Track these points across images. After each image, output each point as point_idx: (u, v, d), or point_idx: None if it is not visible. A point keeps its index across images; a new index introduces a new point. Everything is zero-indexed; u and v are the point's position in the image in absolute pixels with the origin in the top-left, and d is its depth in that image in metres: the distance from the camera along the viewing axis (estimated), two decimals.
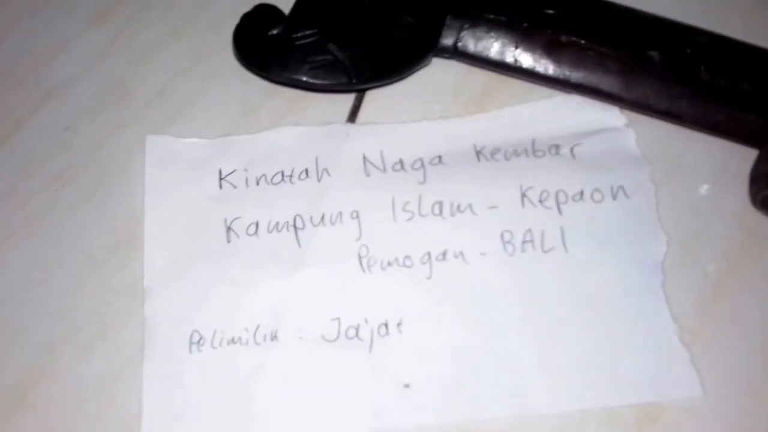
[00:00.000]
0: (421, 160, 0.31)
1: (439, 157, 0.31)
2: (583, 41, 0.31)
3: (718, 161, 0.31)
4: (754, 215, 0.30)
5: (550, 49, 0.31)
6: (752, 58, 0.31)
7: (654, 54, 0.30)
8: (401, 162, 0.31)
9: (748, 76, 0.30)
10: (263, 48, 0.31)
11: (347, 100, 0.33)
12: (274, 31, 0.30)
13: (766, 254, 0.29)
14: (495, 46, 0.32)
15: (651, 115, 0.31)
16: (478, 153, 0.31)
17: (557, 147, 0.31)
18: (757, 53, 0.31)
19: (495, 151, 0.31)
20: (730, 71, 0.30)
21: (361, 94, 0.33)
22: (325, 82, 0.30)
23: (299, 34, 0.30)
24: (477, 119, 0.32)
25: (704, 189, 0.30)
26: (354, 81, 0.31)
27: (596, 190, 0.30)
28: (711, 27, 0.32)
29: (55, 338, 0.28)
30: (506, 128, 0.32)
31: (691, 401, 0.27)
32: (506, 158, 0.31)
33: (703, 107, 0.30)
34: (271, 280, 0.28)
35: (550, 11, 0.32)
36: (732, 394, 0.27)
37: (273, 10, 0.31)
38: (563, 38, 0.31)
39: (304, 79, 0.30)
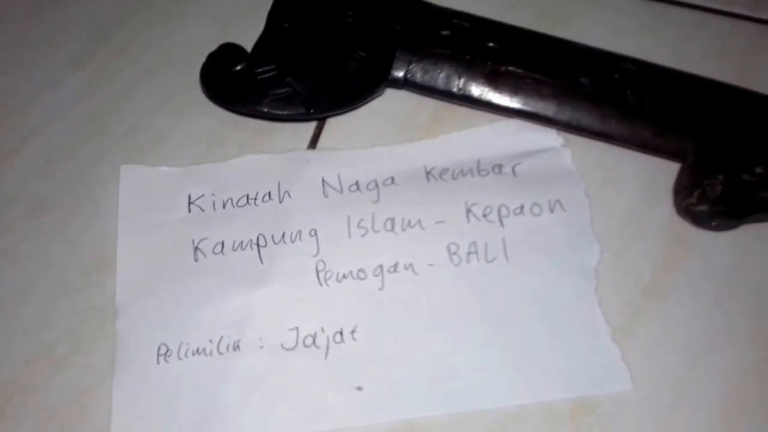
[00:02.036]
0: (375, 181, 0.34)
1: (392, 178, 0.34)
2: (520, 71, 0.34)
3: (646, 175, 0.33)
4: (680, 223, 0.32)
5: (492, 78, 0.34)
6: (673, 81, 0.34)
7: (585, 80, 0.33)
8: (357, 184, 0.34)
9: (670, 98, 0.33)
10: (228, 83, 0.34)
11: (308, 128, 0.36)
12: (238, 68, 0.33)
13: (691, 259, 0.32)
14: (441, 77, 0.35)
15: (584, 136, 0.34)
16: (428, 174, 0.34)
17: (500, 166, 0.34)
18: (678, 77, 0.34)
19: (443, 172, 0.34)
20: (654, 94, 0.33)
21: (321, 122, 0.36)
22: (285, 112, 0.33)
23: (260, 70, 0.33)
24: (427, 143, 0.35)
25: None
26: (312, 111, 0.33)
27: (535, 204, 0.33)
28: (639, 55, 0.35)
29: (33, 353, 0.30)
30: (453, 151, 0.35)
31: (621, 394, 0.29)
32: (453, 178, 0.34)
33: (630, 127, 0.33)
34: (234, 295, 0.31)
35: (491, 44, 0.35)
36: (658, 387, 0.29)
37: (236, 48, 0.34)
38: (502, 68, 0.34)
39: (266, 110, 0.33)
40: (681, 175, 0.31)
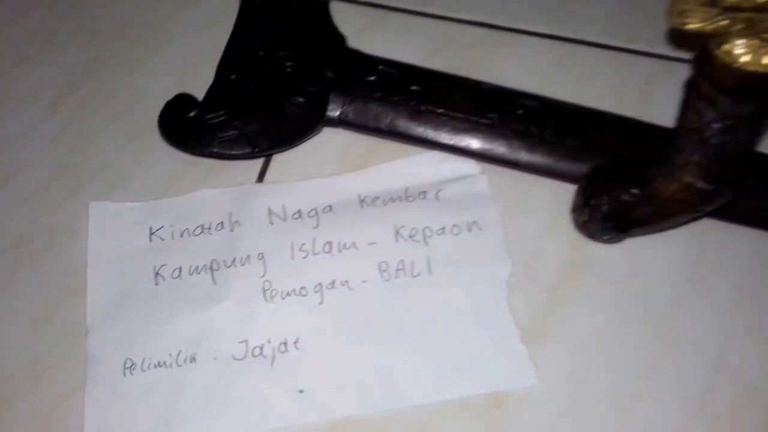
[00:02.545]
0: (315, 209, 0.38)
1: (330, 206, 0.38)
2: (439, 110, 0.39)
3: (552, 197, 0.38)
4: (579, 238, 0.37)
5: (415, 116, 0.39)
6: (570, 114, 0.39)
7: (493, 116, 0.38)
8: (299, 212, 0.38)
9: (567, 129, 0.38)
10: (183, 128, 0.38)
11: (256, 164, 0.40)
12: (191, 114, 0.38)
13: (590, 269, 0.36)
14: (371, 117, 0.39)
15: (498, 164, 0.39)
16: (362, 201, 0.39)
17: (425, 193, 0.39)
18: (574, 110, 0.39)
19: (375, 199, 0.39)
20: (553, 126, 0.38)
21: (267, 158, 0.40)
22: (233, 152, 0.38)
23: (211, 116, 0.38)
24: (361, 174, 0.39)
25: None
26: (256, 150, 0.38)
27: (455, 225, 0.38)
28: (548, 91, 0.40)
29: (13, 371, 0.34)
30: (384, 180, 0.39)
31: (529, 389, 0.34)
32: (384, 204, 0.38)
33: (535, 155, 0.38)
34: (191, 314, 0.35)
35: (414, 87, 0.40)
36: (560, 382, 0.34)
37: (189, 97, 0.39)
38: (423, 108, 0.39)
39: (216, 150, 0.38)
40: (576, 195, 0.36)
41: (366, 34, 0.44)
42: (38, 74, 0.44)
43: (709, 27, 0.25)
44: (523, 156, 0.38)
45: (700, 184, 0.32)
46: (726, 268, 0.36)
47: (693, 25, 0.25)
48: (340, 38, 0.42)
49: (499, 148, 0.38)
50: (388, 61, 0.41)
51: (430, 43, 0.44)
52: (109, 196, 0.39)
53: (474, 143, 0.39)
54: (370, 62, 0.40)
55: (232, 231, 0.37)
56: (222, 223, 0.38)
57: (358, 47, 0.43)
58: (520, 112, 0.38)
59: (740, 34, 0.26)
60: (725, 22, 0.25)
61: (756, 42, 0.26)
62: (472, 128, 0.38)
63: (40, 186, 0.40)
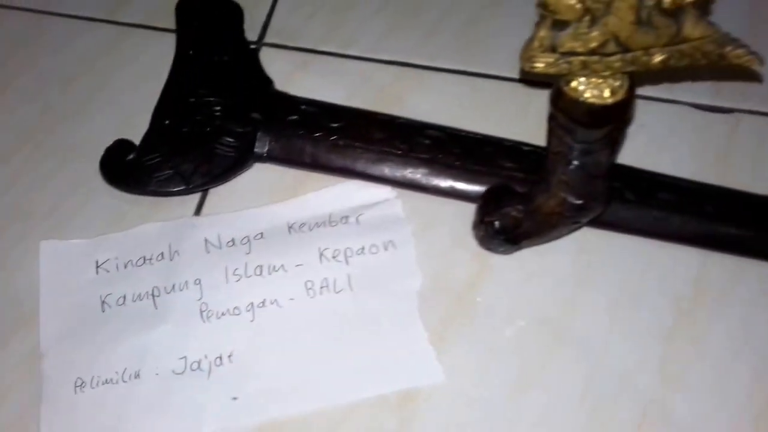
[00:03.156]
0: (247, 237, 0.43)
1: (261, 233, 0.43)
2: (357, 143, 0.44)
3: (459, 216, 0.43)
4: (481, 251, 0.42)
5: (335, 150, 0.44)
6: (472, 142, 0.44)
7: (403, 146, 0.43)
8: (233, 240, 0.42)
9: (469, 155, 0.43)
10: (122, 171, 0.42)
11: (194, 198, 0.44)
12: (130, 157, 0.42)
13: (490, 278, 0.41)
14: (296, 152, 0.44)
15: (410, 189, 0.43)
16: (290, 228, 0.43)
17: (346, 218, 0.43)
18: (474, 139, 0.44)
19: (302, 225, 0.43)
20: (457, 154, 0.43)
21: (204, 193, 0.44)
22: (169, 189, 0.42)
23: (147, 157, 0.42)
24: (289, 204, 0.44)
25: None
26: (191, 187, 0.42)
27: (373, 245, 0.42)
28: (457, 122, 0.45)
29: None
30: (310, 208, 0.44)
31: (437, 386, 0.38)
32: (310, 229, 0.43)
33: (441, 180, 0.43)
34: (134, 335, 0.39)
35: (333, 124, 0.44)
36: (465, 378, 0.38)
37: (128, 142, 0.43)
38: (341, 142, 0.44)
39: (153, 189, 0.42)
40: (476, 213, 0.41)
41: (293, 76, 0.49)
42: None
43: (552, 70, 0.30)
44: (432, 181, 0.43)
45: (572, 199, 0.37)
46: (608, 271, 0.41)
47: (539, 69, 0.30)
48: (267, 82, 0.47)
49: (410, 174, 0.43)
50: (311, 101, 0.45)
51: (352, 82, 0.49)
52: (58, 235, 0.43)
53: (388, 171, 0.43)
54: (294, 103, 0.45)
55: (171, 260, 0.42)
56: (162, 254, 0.42)
57: (286, 89, 0.47)
58: (427, 142, 0.43)
59: (580, 74, 0.31)
60: (565, 65, 0.30)
61: (595, 79, 0.31)
62: (386, 158, 0.43)
63: None
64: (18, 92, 0.49)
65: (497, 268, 0.41)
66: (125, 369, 0.38)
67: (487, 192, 0.41)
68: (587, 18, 0.29)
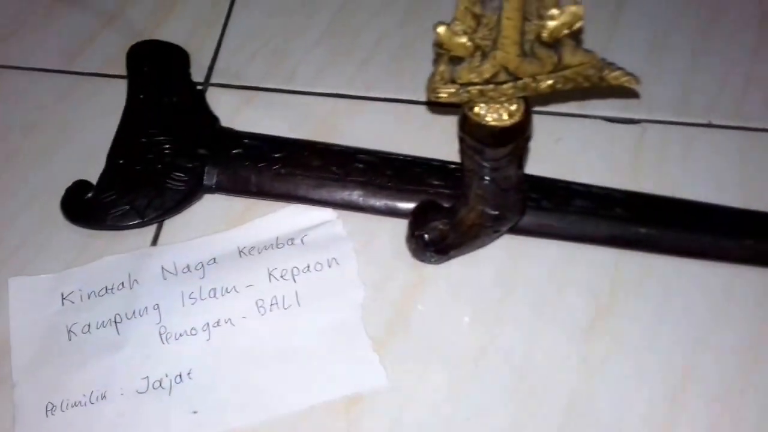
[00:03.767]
0: (201, 263, 0.46)
1: (214, 258, 0.46)
2: (297, 171, 0.48)
3: (394, 231, 0.47)
4: (416, 263, 0.46)
5: (278, 178, 0.48)
6: (400, 164, 0.48)
7: (339, 171, 0.47)
8: (188, 267, 0.46)
9: (399, 177, 0.47)
10: (81, 209, 0.46)
11: (150, 230, 0.48)
12: (88, 196, 0.46)
13: (425, 286, 0.45)
14: (241, 182, 0.48)
15: (349, 210, 0.47)
16: (240, 252, 0.47)
17: (292, 240, 0.47)
18: (405, 160, 0.48)
19: (251, 249, 0.47)
20: (388, 175, 0.47)
21: (159, 225, 0.48)
22: (125, 224, 0.46)
23: (104, 195, 0.46)
24: (238, 230, 0.47)
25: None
26: (145, 220, 0.46)
27: (318, 263, 0.46)
28: (386, 147, 0.50)
29: None
30: (258, 232, 0.47)
31: (380, 389, 0.42)
32: (259, 252, 0.47)
33: (376, 200, 0.47)
34: (99, 360, 0.42)
35: (276, 155, 0.48)
36: (407, 381, 0.42)
37: (86, 182, 0.47)
38: (283, 171, 0.48)
39: (111, 224, 0.46)
40: (408, 228, 0.45)
41: (239, 112, 0.53)
42: None
43: (454, 99, 0.35)
44: (368, 201, 0.47)
45: (489, 211, 0.41)
46: (532, 274, 0.45)
47: (443, 99, 0.35)
48: (213, 119, 0.51)
49: (348, 196, 0.47)
50: (253, 134, 0.49)
51: (293, 115, 0.53)
52: (26, 271, 0.46)
53: (327, 195, 0.47)
54: (238, 137, 0.49)
55: (131, 289, 0.45)
56: (123, 283, 0.45)
57: (232, 125, 0.51)
58: (361, 166, 0.47)
59: (479, 101, 0.35)
60: (465, 94, 0.35)
61: (494, 105, 0.36)
62: (324, 183, 0.47)
63: None
64: None
65: (432, 278, 0.45)
66: (92, 391, 0.41)
67: (416, 208, 0.45)
68: (478, 53, 0.33)
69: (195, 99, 0.52)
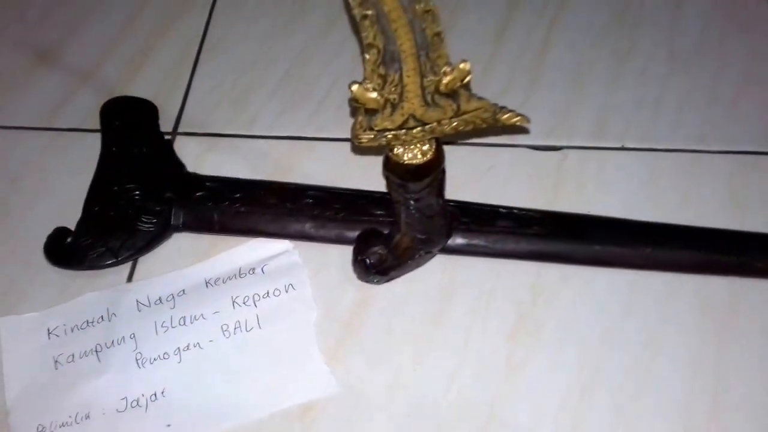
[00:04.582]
0: (172, 295, 0.52)
1: (183, 290, 0.52)
2: (256, 208, 0.54)
3: (343, 257, 0.53)
4: (361, 284, 0.51)
5: (238, 216, 0.54)
6: (348, 197, 0.54)
7: (293, 207, 0.53)
8: (160, 299, 0.52)
9: (346, 208, 0.53)
10: (62, 252, 0.52)
11: (126, 268, 0.54)
12: (67, 241, 0.52)
13: (371, 304, 0.51)
14: (206, 221, 0.54)
15: (303, 240, 0.53)
16: (207, 283, 0.52)
17: (253, 269, 0.53)
18: (350, 194, 0.54)
19: (217, 280, 0.53)
20: (337, 208, 0.53)
21: (134, 263, 0.54)
22: (102, 264, 0.52)
23: (82, 239, 0.52)
24: (204, 263, 0.53)
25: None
26: (120, 259, 0.52)
27: (276, 289, 0.52)
28: (335, 183, 0.56)
29: None
30: (223, 265, 0.53)
31: (333, 395, 0.47)
32: (223, 282, 0.52)
33: (325, 230, 0.53)
34: (83, 385, 0.48)
35: (236, 195, 0.54)
36: (356, 387, 0.48)
37: (65, 229, 0.53)
38: (243, 209, 0.54)
39: (89, 264, 0.52)
40: (353, 253, 0.51)
41: (204, 158, 0.59)
42: None
43: (374, 143, 0.41)
44: (319, 232, 0.53)
45: (418, 235, 0.47)
46: (464, 287, 0.51)
47: (365, 144, 0.41)
48: (180, 166, 0.57)
49: (300, 229, 0.53)
50: (216, 178, 0.56)
51: (253, 157, 0.59)
52: (14, 311, 0.52)
53: (282, 228, 0.53)
54: (202, 181, 0.55)
55: (110, 321, 0.51)
56: (102, 317, 0.51)
57: (198, 170, 0.57)
58: (311, 201, 0.53)
59: (395, 144, 0.42)
60: (383, 139, 0.41)
61: (409, 147, 0.42)
62: (280, 218, 0.53)
63: None
64: None
65: (377, 297, 0.51)
66: (77, 413, 0.47)
67: (359, 236, 0.51)
68: (389, 105, 0.39)
69: (163, 148, 0.58)
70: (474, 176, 0.57)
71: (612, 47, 0.65)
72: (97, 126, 0.60)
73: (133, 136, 0.58)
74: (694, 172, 0.57)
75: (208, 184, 0.55)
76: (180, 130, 0.61)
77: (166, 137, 0.60)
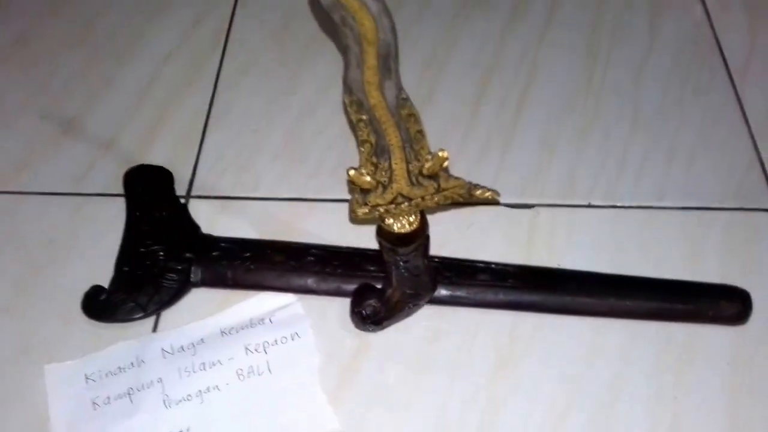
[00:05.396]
0: (192, 343, 0.59)
1: (202, 339, 0.59)
2: (264, 265, 0.61)
3: (342, 309, 0.60)
4: (359, 332, 0.59)
5: (249, 273, 0.61)
6: (345, 254, 0.61)
7: (297, 264, 0.61)
8: (182, 347, 0.59)
9: (344, 264, 0.61)
10: (98, 307, 0.59)
11: (151, 320, 0.61)
12: (102, 297, 0.59)
13: (368, 350, 0.58)
14: (220, 277, 0.61)
15: (306, 294, 0.61)
16: (222, 332, 0.60)
17: (262, 320, 0.60)
18: (347, 252, 0.62)
19: (231, 329, 0.60)
20: (336, 265, 0.61)
21: (158, 315, 0.61)
22: (132, 317, 0.59)
23: (115, 296, 0.59)
24: (220, 315, 0.60)
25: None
26: (148, 313, 0.59)
27: (283, 337, 0.59)
28: (333, 241, 0.63)
29: None
30: (236, 316, 0.60)
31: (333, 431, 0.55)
32: (237, 331, 0.60)
33: (326, 285, 0.60)
34: (119, 423, 0.55)
35: (246, 254, 0.62)
36: (354, 423, 0.55)
37: (100, 287, 0.60)
38: (252, 266, 0.61)
39: (121, 317, 0.59)
40: (351, 304, 0.59)
41: (216, 220, 0.66)
42: None
43: (368, 217, 0.49)
44: (320, 286, 0.60)
45: (407, 291, 0.54)
46: (448, 335, 0.59)
47: (360, 217, 0.48)
48: (196, 227, 0.64)
49: (303, 283, 0.61)
50: (228, 239, 0.63)
51: (259, 218, 0.67)
52: (55, 359, 0.58)
53: (287, 283, 0.61)
54: (216, 242, 0.63)
55: (139, 367, 0.58)
56: (132, 363, 0.58)
57: (211, 231, 0.65)
58: (312, 258, 0.61)
59: (387, 216, 0.49)
60: (376, 213, 0.48)
61: (398, 218, 0.50)
62: (285, 274, 0.61)
63: (5, 361, 0.59)
64: (7, 255, 0.65)
65: (372, 343, 0.59)
66: None
67: (355, 290, 0.59)
68: (380, 186, 0.47)
69: (180, 211, 0.65)
70: (456, 233, 0.65)
71: (579, 113, 0.74)
72: (119, 191, 0.68)
73: (153, 201, 0.66)
74: (654, 227, 0.65)
75: (222, 244, 0.62)
76: (193, 193, 0.69)
77: (181, 200, 0.67)
